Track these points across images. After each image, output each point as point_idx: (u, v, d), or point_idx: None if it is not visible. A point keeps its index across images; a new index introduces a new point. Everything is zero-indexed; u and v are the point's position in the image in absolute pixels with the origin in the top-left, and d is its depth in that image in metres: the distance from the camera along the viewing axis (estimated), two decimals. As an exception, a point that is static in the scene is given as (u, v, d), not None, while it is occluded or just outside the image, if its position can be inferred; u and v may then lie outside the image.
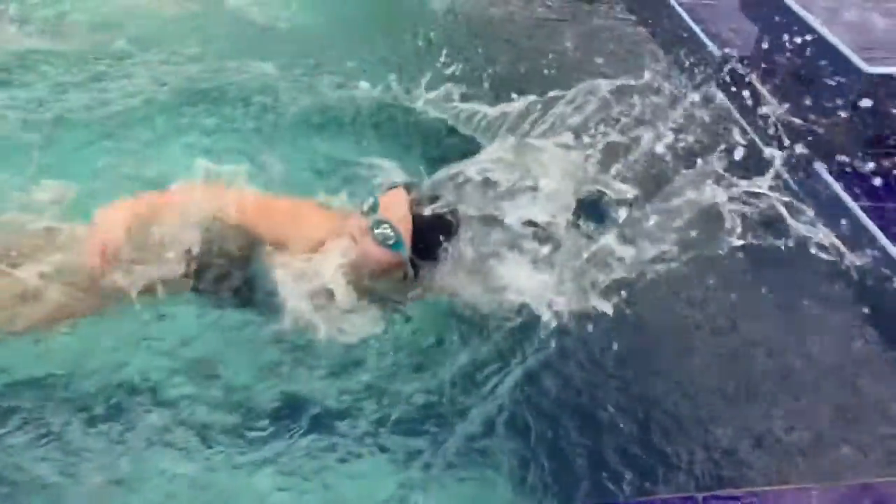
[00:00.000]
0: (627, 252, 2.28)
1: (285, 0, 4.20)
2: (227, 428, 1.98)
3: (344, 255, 2.12)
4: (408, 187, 2.20)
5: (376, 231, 2.08)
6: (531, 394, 2.08)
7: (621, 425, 2.01)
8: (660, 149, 2.76)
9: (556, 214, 2.32)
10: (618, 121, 2.76)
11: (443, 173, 2.31)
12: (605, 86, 2.90)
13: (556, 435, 2.01)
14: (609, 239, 2.28)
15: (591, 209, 2.48)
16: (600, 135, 2.65)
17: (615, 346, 2.15)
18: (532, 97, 3.11)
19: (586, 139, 2.66)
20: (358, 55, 3.62)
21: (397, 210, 2.11)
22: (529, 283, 2.21)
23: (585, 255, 2.25)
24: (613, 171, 2.60)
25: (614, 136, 2.67)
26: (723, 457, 1.96)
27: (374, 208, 2.12)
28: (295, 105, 3.28)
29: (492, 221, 2.27)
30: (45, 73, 3.32)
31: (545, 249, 2.25)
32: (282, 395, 2.06)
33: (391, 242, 2.09)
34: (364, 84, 3.42)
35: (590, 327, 2.14)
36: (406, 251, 2.11)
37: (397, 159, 3.01)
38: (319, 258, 2.15)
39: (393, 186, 2.26)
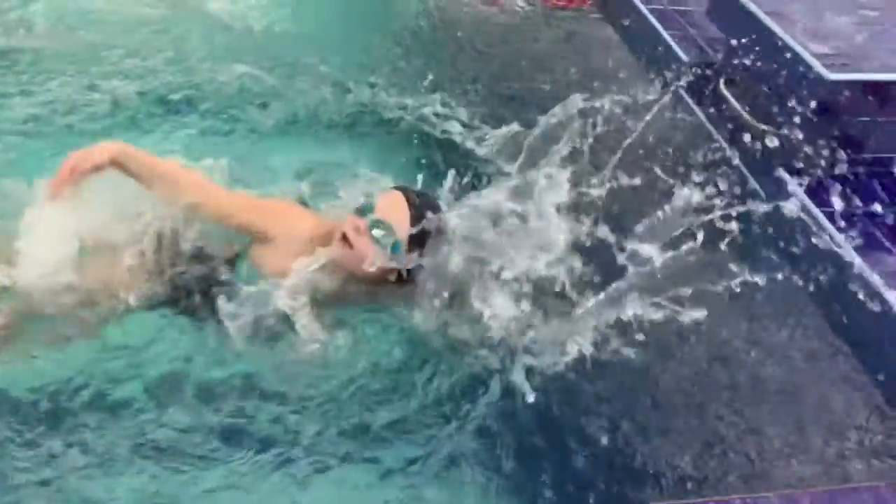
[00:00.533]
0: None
1: (262, 5, 4.20)
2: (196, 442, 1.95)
3: (336, 255, 2.10)
4: (404, 190, 2.19)
5: (374, 231, 2.06)
6: (509, 411, 2.05)
7: (602, 442, 2.00)
8: (631, 159, 2.79)
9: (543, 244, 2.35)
10: (594, 135, 2.76)
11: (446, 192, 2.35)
12: (579, 100, 2.88)
13: (534, 452, 2.00)
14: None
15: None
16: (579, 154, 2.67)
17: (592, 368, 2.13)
18: (508, 110, 3.20)
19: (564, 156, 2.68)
20: (332, 59, 3.63)
21: (396, 212, 2.10)
22: (506, 307, 2.20)
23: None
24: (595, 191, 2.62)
25: (593, 154, 2.69)
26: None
27: (370, 208, 2.09)
28: (271, 108, 3.29)
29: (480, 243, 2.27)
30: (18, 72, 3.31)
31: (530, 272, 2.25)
32: (255, 408, 2.03)
33: (388, 243, 2.07)
34: (339, 87, 3.44)
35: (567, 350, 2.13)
36: (402, 254, 2.10)
37: (375, 162, 3.03)
38: (307, 259, 2.13)
39: (388, 188, 2.25)
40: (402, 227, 2.09)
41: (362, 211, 2.11)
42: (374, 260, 2.08)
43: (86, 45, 3.58)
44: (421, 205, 2.14)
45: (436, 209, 2.19)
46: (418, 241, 2.12)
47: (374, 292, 2.23)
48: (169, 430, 1.95)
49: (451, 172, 2.62)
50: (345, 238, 2.08)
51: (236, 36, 3.90)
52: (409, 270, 2.14)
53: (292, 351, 2.12)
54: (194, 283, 2.18)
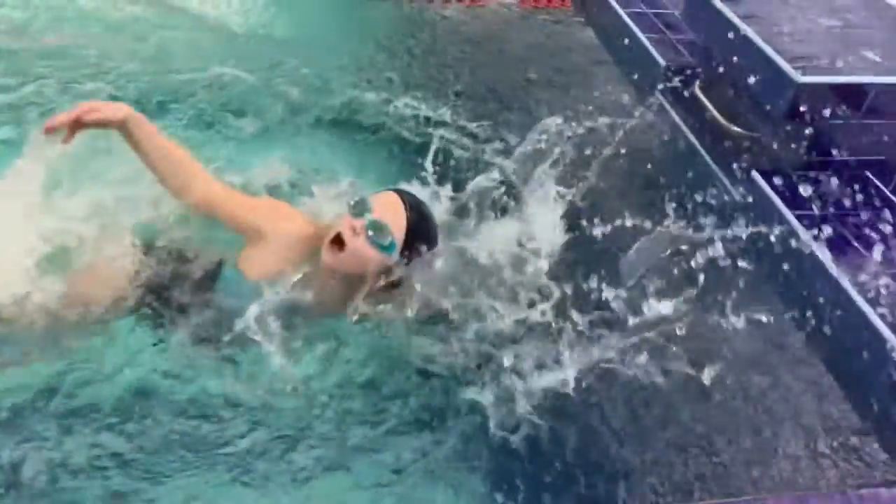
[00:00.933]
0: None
1: (243, 8, 4.19)
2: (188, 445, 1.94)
3: (328, 260, 2.06)
4: (399, 191, 2.17)
5: (371, 232, 2.03)
6: (495, 418, 2.04)
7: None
8: (608, 166, 2.81)
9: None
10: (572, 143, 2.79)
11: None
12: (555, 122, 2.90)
13: (512, 469, 1.98)
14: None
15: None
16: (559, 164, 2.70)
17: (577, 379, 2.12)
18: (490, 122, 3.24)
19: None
20: (312, 62, 3.62)
21: (393, 213, 2.07)
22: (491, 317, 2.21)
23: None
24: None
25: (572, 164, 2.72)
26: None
27: (366, 208, 2.06)
28: (249, 110, 3.27)
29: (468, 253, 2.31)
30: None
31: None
32: (224, 420, 2.01)
33: (386, 244, 2.05)
34: (316, 89, 3.43)
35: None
36: (397, 255, 2.08)
37: (352, 163, 3.04)
38: (299, 262, 2.12)
39: (383, 189, 2.21)
40: (399, 227, 2.07)
41: (359, 211, 2.06)
42: (371, 260, 2.06)
43: (62, 46, 3.55)
44: (416, 206, 2.12)
45: (429, 212, 2.19)
46: (412, 244, 2.11)
47: (355, 296, 2.18)
48: (135, 440, 1.93)
49: (432, 173, 2.66)
50: (337, 239, 2.05)
51: (214, 38, 3.89)
52: (396, 276, 2.13)
53: (268, 365, 2.08)
54: (170, 290, 2.15)
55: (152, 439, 1.93)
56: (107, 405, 1.98)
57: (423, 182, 2.62)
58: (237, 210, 2.15)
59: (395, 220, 2.06)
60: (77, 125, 2.04)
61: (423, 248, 2.14)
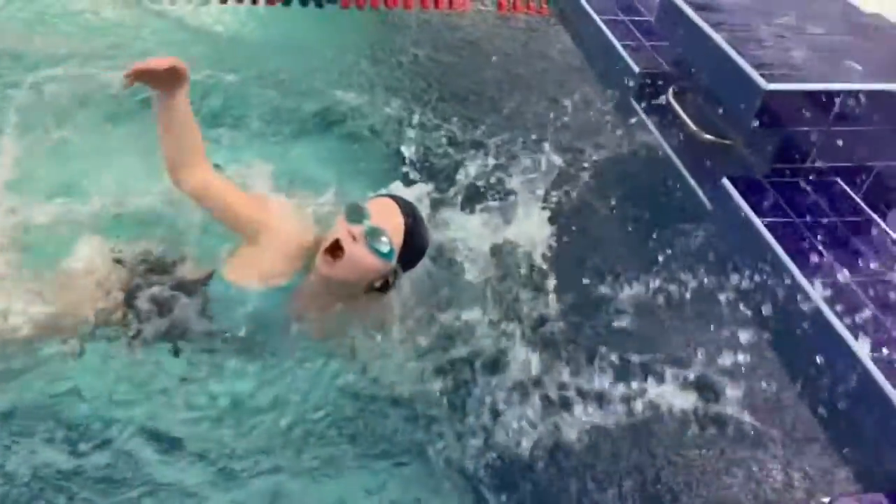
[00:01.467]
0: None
1: (226, 13, 4.19)
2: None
3: (325, 270, 2.03)
4: (393, 197, 2.15)
5: (371, 238, 2.01)
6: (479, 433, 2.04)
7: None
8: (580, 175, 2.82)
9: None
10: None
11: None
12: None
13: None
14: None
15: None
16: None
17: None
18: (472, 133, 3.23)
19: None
20: (292, 67, 3.62)
21: (391, 218, 2.05)
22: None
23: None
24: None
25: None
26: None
27: (364, 215, 2.03)
28: (230, 114, 3.27)
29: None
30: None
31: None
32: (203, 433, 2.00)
33: (385, 250, 2.02)
34: (297, 94, 3.43)
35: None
36: (395, 261, 2.07)
37: (330, 167, 3.03)
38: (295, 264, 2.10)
39: (377, 195, 2.19)
40: (398, 233, 2.04)
41: (356, 217, 2.02)
42: (371, 268, 2.04)
43: (42, 47, 3.54)
44: (412, 211, 2.11)
45: (422, 216, 2.17)
46: (409, 249, 2.09)
47: (351, 303, 2.17)
48: (110, 455, 1.91)
49: (411, 177, 2.66)
50: (333, 247, 2.01)
51: (194, 43, 3.88)
52: (389, 280, 2.11)
53: (251, 379, 2.09)
54: (156, 300, 2.13)
55: (121, 454, 1.92)
56: (81, 418, 1.97)
57: (406, 183, 2.62)
58: (235, 202, 2.09)
59: (393, 226, 2.04)
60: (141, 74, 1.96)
61: (419, 252, 2.14)
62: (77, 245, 2.21)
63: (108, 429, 1.95)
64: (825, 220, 2.51)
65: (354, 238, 1.99)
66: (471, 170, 2.87)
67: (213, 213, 2.12)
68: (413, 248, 2.09)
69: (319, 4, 4.19)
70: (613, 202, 2.89)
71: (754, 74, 2.44)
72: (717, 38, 2.63)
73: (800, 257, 2.33)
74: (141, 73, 1.92)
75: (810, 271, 2.28)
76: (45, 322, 2.05)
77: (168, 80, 1.95)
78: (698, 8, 2.82)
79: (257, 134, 3.22)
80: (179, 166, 2.05)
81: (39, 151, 2.84)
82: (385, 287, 2.12)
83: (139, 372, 2.08)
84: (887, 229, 2.49)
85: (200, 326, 2.11)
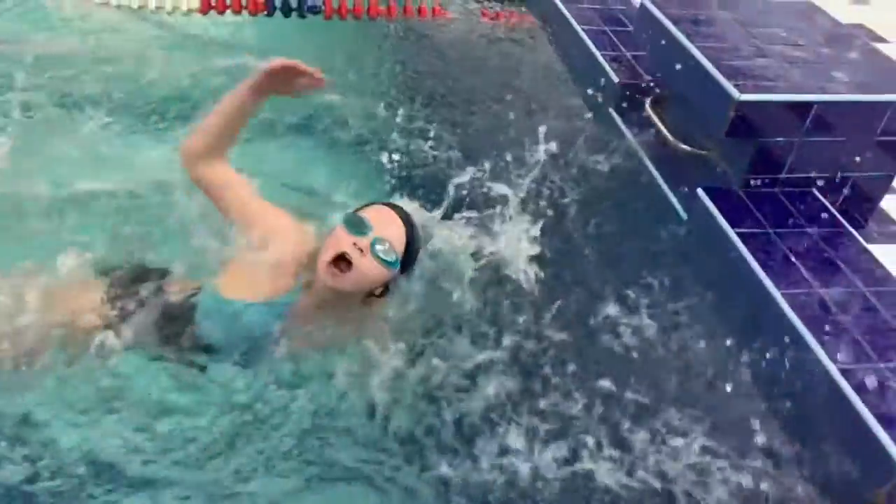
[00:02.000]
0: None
1: (220, 21, 4.21)
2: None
3: (331, 282, 2.01)
4: (391, 205, 2.14)
5: (377, 248, 1.99)
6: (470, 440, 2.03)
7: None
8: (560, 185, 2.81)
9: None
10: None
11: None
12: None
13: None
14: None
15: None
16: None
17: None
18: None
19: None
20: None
21: (393, 228, 2.05)
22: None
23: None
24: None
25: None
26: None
27: (368, 226, 2.01)
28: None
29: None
30: None
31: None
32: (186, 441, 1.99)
33: (392, 260, 2.02)
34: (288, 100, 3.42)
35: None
36: (398, 269, 2.08)
37: (314, 174, 3.02)
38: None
39: (374, 204, 2.16)
40: (400, 242, 2.05)
41: (360, 230, 2.01)
42: (377, 278, 2.04)
43: (34, 56, 3.54)
44: (409, 219, 2.11)
45: (415, 221, 2.17)
46: (410, 256, 2.10)
47: (345, 313, 2.16)
48: (92, 465, 1.90)
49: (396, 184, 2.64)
50: (338, 259, 1.98)
51: (188, 50, 3.90)
52: (388, 285, 2.12)
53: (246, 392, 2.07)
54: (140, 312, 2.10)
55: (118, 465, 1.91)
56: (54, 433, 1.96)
57: (392, 192, 2.62)
58: (252, 203, 2.11)
59: (396, 235, 2.04)
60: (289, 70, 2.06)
61: (416, 256, 2.15)
62: (60, 256, 2.18)
63: (84, 443, 1.95)
64: (800, 231, 2.50)
65: (362, 251, 1.98)
66: (451, 179, 2.85)
67: (227, 211, 2.12)
68: (412, 252, 2.10)
69: (302, 15, 4.19)
70: (591, 212, 2.88)
71: (727, 84, 2.43)
72: (692, 47, 2.63)
73: (773, 268, 2.32)
74: (290, 69, 2.02)
75: (783, 282, 2.27)
76: (25, 334, 2.02)
77: (289, 84, 2.06)
78: (675, 19, 2.82)
79: (240, 142, 3.21)
80: (209, 151, 2.08)
81: (29, 161, 2.84)
82: (384, 292, 2.13)
83: (117, 384, 2.06)
84: (861, 240, 2.48)
85: (187, 341, 2.08)
